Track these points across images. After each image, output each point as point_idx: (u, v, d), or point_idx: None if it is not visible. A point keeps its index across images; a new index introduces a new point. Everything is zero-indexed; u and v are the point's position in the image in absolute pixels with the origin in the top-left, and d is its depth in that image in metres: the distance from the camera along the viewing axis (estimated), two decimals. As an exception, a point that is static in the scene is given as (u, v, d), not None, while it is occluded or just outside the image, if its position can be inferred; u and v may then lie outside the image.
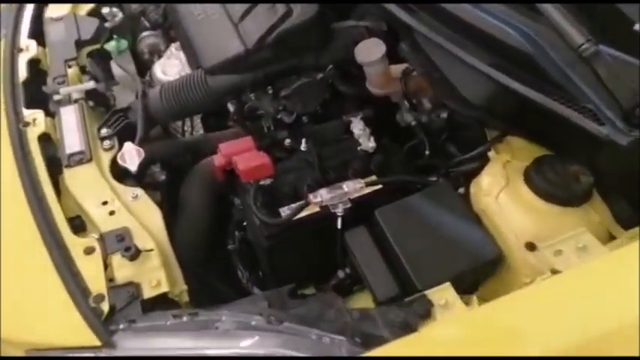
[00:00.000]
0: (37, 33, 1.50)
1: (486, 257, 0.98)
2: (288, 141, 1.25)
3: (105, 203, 1.08)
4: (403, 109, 1.30)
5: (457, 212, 1.03)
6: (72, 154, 1.17)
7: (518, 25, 0.94)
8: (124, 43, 1.52)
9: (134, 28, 1.63)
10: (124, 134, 1.24)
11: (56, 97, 1.30)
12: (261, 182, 1.11)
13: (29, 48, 1.44)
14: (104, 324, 0.88)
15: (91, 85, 1.31)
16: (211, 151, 1.21)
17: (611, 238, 0.99)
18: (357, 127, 1.22)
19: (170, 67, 1.47)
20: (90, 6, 1.60)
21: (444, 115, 1.24)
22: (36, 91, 1.33)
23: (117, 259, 0.98)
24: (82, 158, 1.16)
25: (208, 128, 1.47)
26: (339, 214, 1.06)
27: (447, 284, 0.89)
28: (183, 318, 0.87)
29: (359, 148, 1.21)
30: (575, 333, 0.75)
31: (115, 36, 1.53)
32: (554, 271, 0.88)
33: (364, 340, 0.81)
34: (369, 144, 1.20)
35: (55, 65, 1.40)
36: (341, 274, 1.14)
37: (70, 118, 1.25)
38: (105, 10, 1.53)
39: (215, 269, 1.26)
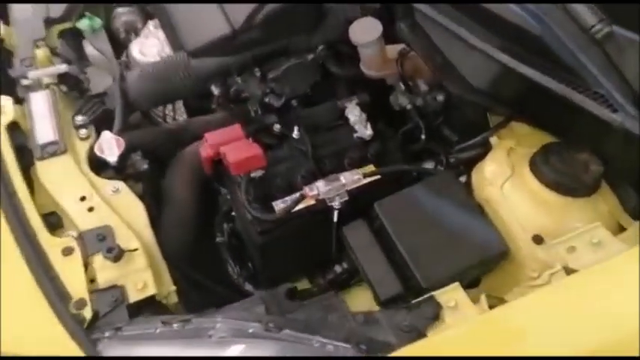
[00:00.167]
0: (0, 10, 1.40)
1: (493, 251, 0.94)
2: (277, 126, 1.18)
3: (83, 199, 1.03)
4: (398, 91, 1.24)
5: (461, 203, 0.99)
6: (45, 145, 1.10)
7: (527, 4, 0.89)
8: (98, 22, 1.42)
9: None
10: (101, 122, 1.17)
11: (24, 82, 1.22)
12: (252, 174, 1.04)
13: (-9, 26, 1.34)
14: (87, 332, 0.82)
15: (63, 68, 1.23)
16: (196, 137, 1.14)
17: (621, 228, 0.96)
18: (353, 113, 1.16)
19: (148, 47, 1.39)
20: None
21: (441, 97, 1.19)
22: (1, 74, 1.25)
23: (99, 261, 0.93)
24: (55, 149, 1.10)
25: (192, 112, 1.39)
26: (337, 207, 1.01)
27: (456, 284, 0.85)
28: (174, 325, 0.82)
29: (355, 135, 1.15)
30: (591, 339, 0.72)
31: (87, 13, 1.43)
32: (568, 269, 0.84)
33: (370, 347, 0.77)
34: (365, 131, 1.14)
35: (22, 46, 1.30)
36: (338, 268, 1.10)
37: (40, 104, 1.17)
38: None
39: (203, 264, 1.20)
